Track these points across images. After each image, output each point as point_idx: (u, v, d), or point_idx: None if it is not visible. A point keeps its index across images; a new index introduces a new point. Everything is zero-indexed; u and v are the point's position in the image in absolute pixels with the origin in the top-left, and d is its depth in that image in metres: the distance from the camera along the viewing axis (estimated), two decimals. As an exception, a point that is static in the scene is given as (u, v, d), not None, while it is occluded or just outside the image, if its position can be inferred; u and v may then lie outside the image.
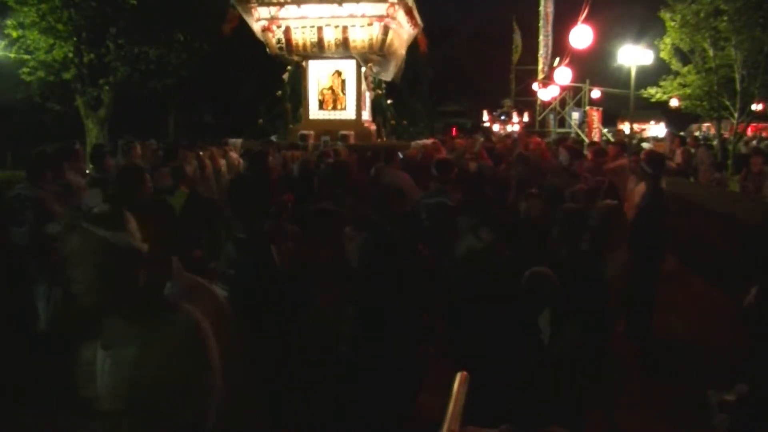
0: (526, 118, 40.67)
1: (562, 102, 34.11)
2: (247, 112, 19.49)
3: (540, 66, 33.34)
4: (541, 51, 33.38)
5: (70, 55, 16.32)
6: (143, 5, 16.29)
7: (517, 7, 43.08)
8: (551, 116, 35.52)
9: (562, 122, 34.95)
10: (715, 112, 17.38)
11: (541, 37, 33.38)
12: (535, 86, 33.74)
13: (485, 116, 45.69)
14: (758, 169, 9.25)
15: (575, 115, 33.60)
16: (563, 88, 31.04)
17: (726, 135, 18.47)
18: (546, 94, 32.39)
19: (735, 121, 16.64)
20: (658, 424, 4.07)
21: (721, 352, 4.78)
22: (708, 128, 27.56)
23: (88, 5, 16.01)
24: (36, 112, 18.88)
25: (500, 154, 9.60)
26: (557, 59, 30.06)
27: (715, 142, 18.39)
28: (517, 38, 37.03)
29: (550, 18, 32.98)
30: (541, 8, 33.09)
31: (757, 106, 18.77)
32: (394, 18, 12.98)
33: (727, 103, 16.48)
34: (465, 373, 1.67)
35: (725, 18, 15.12)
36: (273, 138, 12.81)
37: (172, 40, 17.41)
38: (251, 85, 22.89)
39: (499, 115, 44.96)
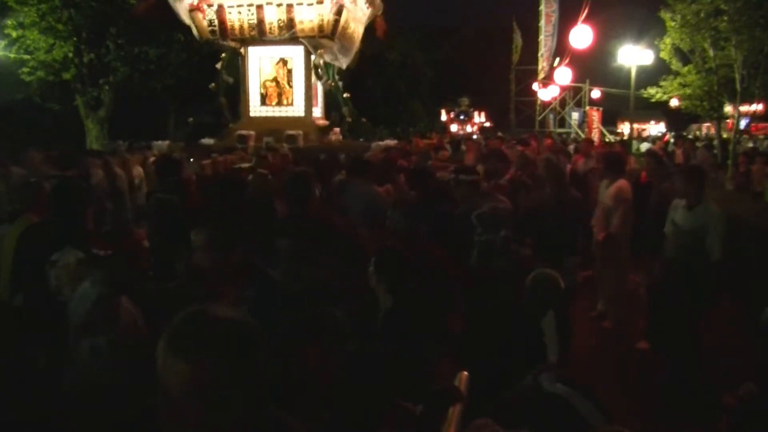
0: (482, 117, 39.28)
1: (562, 102, 34.14)
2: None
3: (540, 66, 33.34)
4: (541, 51, 33.37)
5: (70, 55, 16.33)
6: (143, 5, 16.28)
7: (517, 7, 43.09)
8: (551, 116, 35.55)
9: (562, 122, 34.98)
10: (715, 112, 17.36)
11: (541, 37, 33.37)
12: (535, 86, 33.75)
13: (443, 116, 41.52)
14: (757, 169, 9.27)
15: (575, 115, 33.67)
16: (563, 88, 31.07)
17: (725, 135, 18.48)
18: (546, 94, 32.42)
19: (735, 121, 16.64)
20: (663, 425, 4.06)
21: (733, 358, 4.72)
22: (708, 128, 27.57)
23: (88, 5, 16.02)
24: (36, 112, 18.84)
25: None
26: (557, 59, 30.11)
27: (715, 142, 18.40)
28: (517, 38, 37.02)
29: (554, 17, 32.95)
30: (542, 8, 33.09)
31: (757, 106, 18.77)
32: None
33: (727, 103, 16.47)
34: (465, 373, 1.67)
35: (725, 18, 15.09)
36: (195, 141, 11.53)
37: (172, 40, 17.40)
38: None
39: (458, 115, 42.27)
